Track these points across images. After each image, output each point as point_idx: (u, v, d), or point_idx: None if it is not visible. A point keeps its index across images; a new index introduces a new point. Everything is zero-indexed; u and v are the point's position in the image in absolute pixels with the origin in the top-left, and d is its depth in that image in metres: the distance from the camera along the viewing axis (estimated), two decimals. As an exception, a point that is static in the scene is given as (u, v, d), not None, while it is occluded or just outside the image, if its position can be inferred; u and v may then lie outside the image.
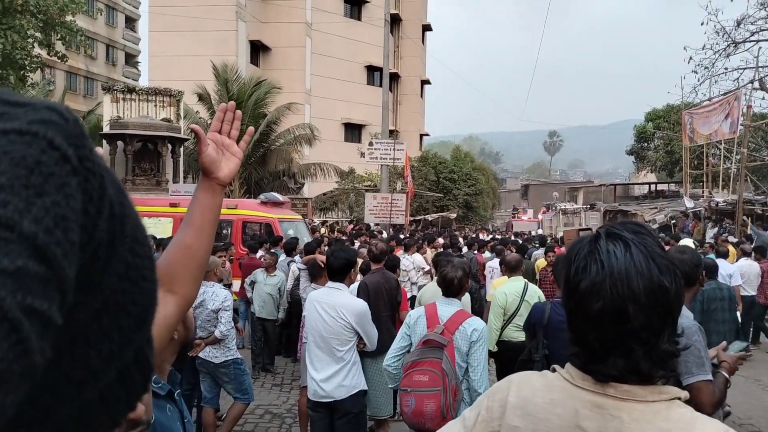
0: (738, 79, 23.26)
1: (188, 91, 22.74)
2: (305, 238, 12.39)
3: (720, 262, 9.05)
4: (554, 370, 1.20)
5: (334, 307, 4.04)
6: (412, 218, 27.11)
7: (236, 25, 33.69)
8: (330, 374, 4.05)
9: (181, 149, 19.87)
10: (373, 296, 4.92)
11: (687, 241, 8.49)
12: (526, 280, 5.82)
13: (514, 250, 9.56)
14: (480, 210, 36.76)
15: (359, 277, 5.63)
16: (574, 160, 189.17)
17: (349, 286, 4.27)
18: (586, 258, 1.13)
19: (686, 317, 2.74)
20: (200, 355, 5.24)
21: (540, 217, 34.46)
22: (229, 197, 20.05)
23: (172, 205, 12.83)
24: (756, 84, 22.10)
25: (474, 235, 20.88)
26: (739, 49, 23.63)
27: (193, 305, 5.18)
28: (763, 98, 23.40)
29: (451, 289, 3.72)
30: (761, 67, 22.16)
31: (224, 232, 13.06)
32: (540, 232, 26.72)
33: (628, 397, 1.07)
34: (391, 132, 27.77)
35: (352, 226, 23.02)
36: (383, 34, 23.32)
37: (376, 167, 25.57)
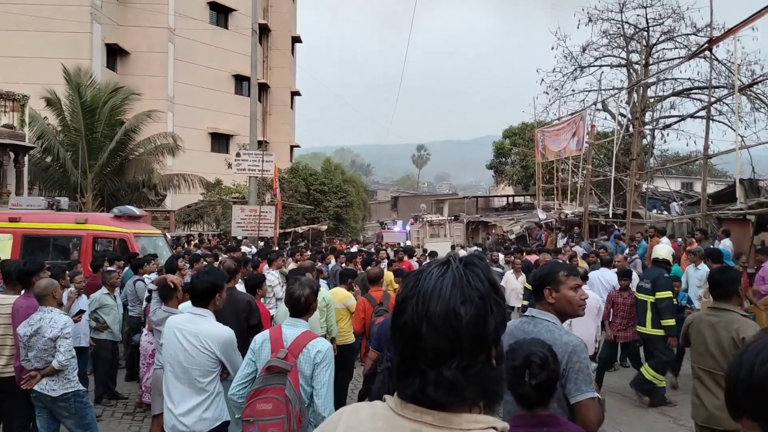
0: (584, 100, 25.39)
1: (35, 96, 20.92)
2: (165, 253, 11.77)
3: (604, 271, 9.62)
4: (384, 400, 1.21)
5: (197, 335, 3.72)
6: (282, 231, 26.70)
7: (91, 27, 31.44)
8: (191, 407, 3.73)
9: (26, 158, 18.20)
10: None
11: (662, 247, 8.83)
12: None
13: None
14: (350, 222, 37.02)
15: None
16: (441, 173, 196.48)
17: (213, 312, 3.94)
18: (415, 276, 1.19)
19: (572, 335, 2.81)
20: (36, 387, 4.74)
21: (408, 228, 35.33)
22: (81, 210, 18.67)
23: (12, 219, 11.66)
24: (599, 105, 24.23)
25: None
26: (585, 73, 25.83)
27: (29, 334, 4.72)
28: (605, 118, 25.69)
29: (298, 309, 3.58)
30: (603, 89, 24.37)
31: (72, 249, 12.11)
32: (408, 243, 27.36)
33: (443, 425, 1.09)
34: (260, 143, 27.28)
35: (216, 239, 22.25)
36: (251, 43, 22.91)
37: (245, 179, 24.97)
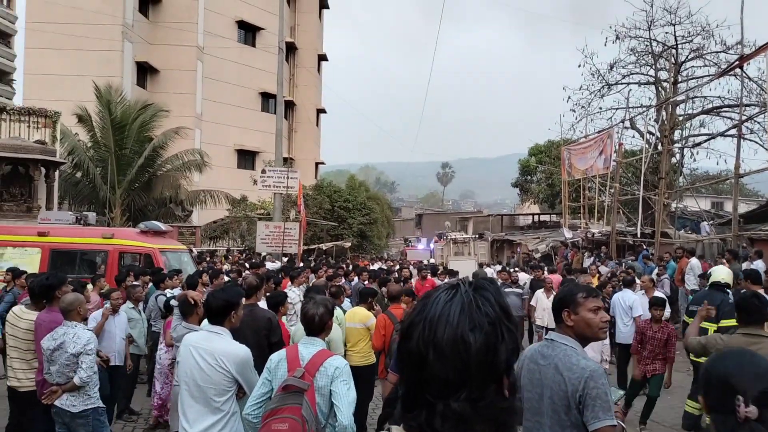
0: (611, 118, 25.09)
1: (67, 112, 21.40)
2: (189, 269, 11.84)
3: (626, 293, 9.04)
4: (389, 430, 1.14)
5: (213, 354, 3.66)
6: (306, 247, 26.79)
7: (122, 45, 32.23)
8: (206, 427, 3.66)
9: (56, 173, 18.54)
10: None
11: (721, 269, 7.86)
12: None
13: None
14: (374, 239, 36.99)
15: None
16: (465, 190, 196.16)
17: (230, 329, 3.89)
18: (422, 300, 1.14)
19: (591, 361, 2.73)
20: (56, 403, 4.74)
21: (431, 246, 35.19)
22: (109, 226, 18.95)
23: (41, 234, 11.87)
24: (627, 123, 23.93)
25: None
26: (612, 90, 25.56)
27: (52, 347, 4.73)
28: (633, 136, 25.34)
29: (312, 327, 3.53)
30: (631, 107, 24.06)
31: (99, 263, 12.25)
32: (432, 261, 27.22)
33: None
34: (286, 160, 27.49)
35: (239, 255, 22.37)
36: (278, 61, 23.21)
37: (270, 195, 25.15)
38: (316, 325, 3.54)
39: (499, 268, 18.27)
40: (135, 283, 8.73)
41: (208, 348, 3.71)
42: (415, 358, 1.06)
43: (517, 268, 17.46)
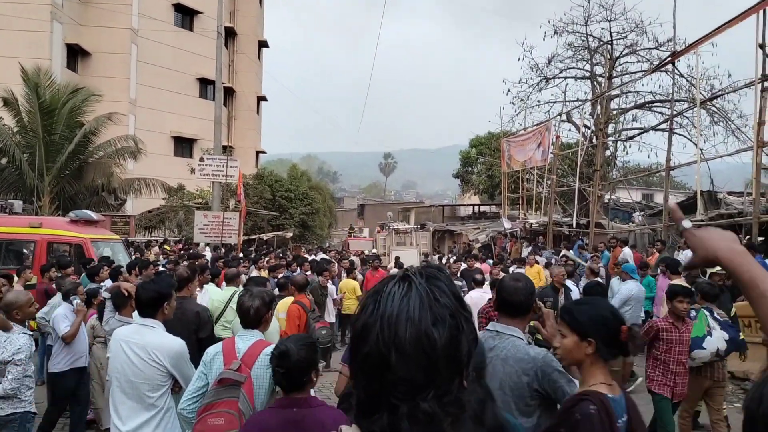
0: (549, 111, 25.70)
1: (-9, 96, 20.23)
2: (123, 259, 11.40)
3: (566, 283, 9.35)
4: (339, 430, 1.06)
5: (145, 347, 3.51)
6: (246, 237, 26.34)
7: (51, 26, 30.60)
8: (139, 424, 3.51)
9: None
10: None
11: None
12: (235, 289, 7.32)
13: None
14: (316, 229, 36.74)
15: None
16: (408, 181, 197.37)
17: (162, 321, 3.72)
18: (372, 296, 1.04)
19: (537, 348, 2.80)
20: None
21: (374, 236, 35.20)
22: (37, 214, 18.04)
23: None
24: (564, 116, 24.54)
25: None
26: (550, 84, 26.17)
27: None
28: (570, 129, 26.04)
29: (248, 320, 3.43)
30: (568, 101, 24.68)
31: (26, 254, 11.65)
32: (374, 251, 27.24)
33: None
34: (225, 148, 26.87)
35: (180, 246, 21.76)
36: (216, 46, 22.59)
37: (208, 184, 24.58)
38: (252, 318, 3.43)
39: (445, 259, 18.49)
40: (66, 275, 8.31)
41: (140, 342, 3.56)
42: (375, 362, 0.97)
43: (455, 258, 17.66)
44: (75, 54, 33.44)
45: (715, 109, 21.30)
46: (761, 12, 10.52)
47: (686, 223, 1.46)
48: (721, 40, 15.01)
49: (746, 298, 1.27)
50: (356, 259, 17.77)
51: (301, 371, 2.62)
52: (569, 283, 9.38)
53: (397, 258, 17.56)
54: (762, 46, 10.46)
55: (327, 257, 17.53)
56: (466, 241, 26.26)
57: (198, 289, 7.04)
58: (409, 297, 0.99)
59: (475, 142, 38.43)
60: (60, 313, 6.07)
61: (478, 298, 7.75)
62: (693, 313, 5.55)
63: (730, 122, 21.26)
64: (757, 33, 10.48)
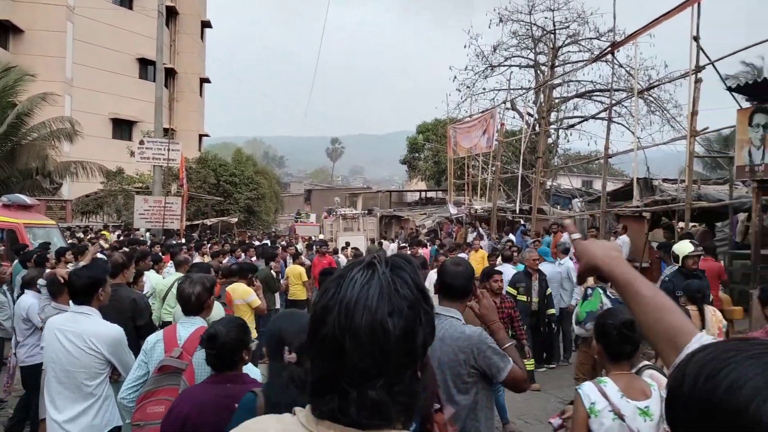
0: (494, 98, 26.11)
1: None
2: (59, 245, 10.98)
3: (506, 267, 9.30)
4: (294, 413, 1.06)
5: (81, 335, 3.42)
6: (189, 223, 25.78)
7: (-22, 0, 28.99)
8: (77, 413, 3.43)
9: None
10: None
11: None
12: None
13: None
14: (262, 214, 36.33)
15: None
16: (355, 166, 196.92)
17: (98, 308, 3.64)
18: (336, 280, 1.04)
19: (472, 327, 2.90)
20: None
21: (321, 221, 35.09)
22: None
23: None
24: (508, 104, 24.93)
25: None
26: (495, 72, 26.55)
27: None
28: (514, 117, 26.50)
29: (189, 307, 3.38)
30: (512, 89, 25.10)
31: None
32: (321, 236, 27.15)
33: None
34: (167, 131, 26.08)
35: (119, 233, 21.10)
36: (157, 26, 21.87)
37: (148, 168, 23.88)
38: (193, 305, 3.37)
39: (396, 245, 18.56)
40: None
41: (76, 330, 3.47)
42: (330, 345, 0.97)
43: (404, 244, 17.79)
44: (6, 31, 31.72)
45: (652, 99, 22.10)
46: (696, 5, 10.91)
47: (575, 236, 1.64)
48: (659, 32, 15.51)
49: (623, 297, 1.40)
50: (301, 245, 17.70)
51: (231, 351, 2.67)
52: (508, 267, 9.60)
53: (347, 243, 17.55)
54: (696, 38, 10.83)
55: (273, 243, 17.38)
56: (413, 227, 26.46)
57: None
58: (370, 285, 1.00)
59: (422, 128, 38.64)
60: (33, 303, 5.81)
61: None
62: (590, 291, 6.27)
63: (665, 112, 22.14)
64: (692, 25, 10.84)
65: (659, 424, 2.54)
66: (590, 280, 6.07)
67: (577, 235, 1.63)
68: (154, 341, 3.31)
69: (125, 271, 5.25)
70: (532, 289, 8.36)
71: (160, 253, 10.51)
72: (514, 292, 7.99)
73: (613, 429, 2.55)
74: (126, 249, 10.48)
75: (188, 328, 3.29)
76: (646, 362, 3.03)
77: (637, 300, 1.35)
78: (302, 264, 12.02)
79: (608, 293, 6.03)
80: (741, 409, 0.74)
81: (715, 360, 0.81)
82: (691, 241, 7.06)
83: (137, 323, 4.73)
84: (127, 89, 36.45)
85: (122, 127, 37.24)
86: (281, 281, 10.91)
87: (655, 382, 2.69)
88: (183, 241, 16.41)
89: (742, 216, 12.05)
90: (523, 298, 8.08)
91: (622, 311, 2.76)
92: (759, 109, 8.99)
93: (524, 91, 25.36)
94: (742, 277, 10.97)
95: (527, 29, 25.02)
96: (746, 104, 9.51)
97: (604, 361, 2.79)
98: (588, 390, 2.64)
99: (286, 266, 12.39)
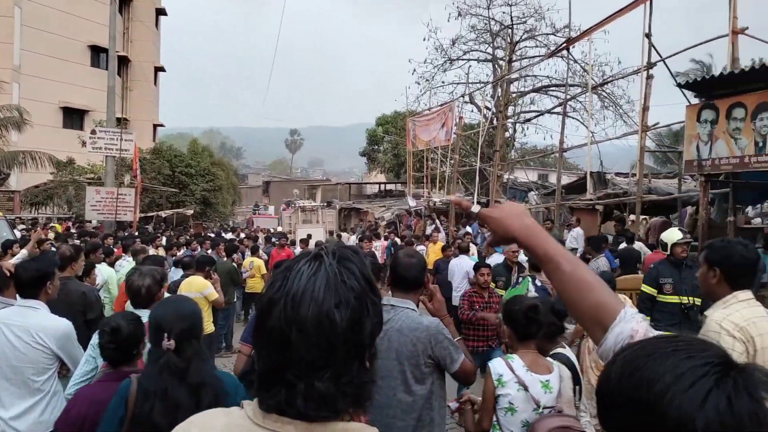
0: (453, 92, 26.24)
1: None
2: (7, 237, 10.61)
3: (463, 259, 9.45)
4: (242, 406, 1.06)
5: (28, 330, 3.33)
6: (143, 215, 25.23)
7: None
8: (24, 409, 3.34)
9: None
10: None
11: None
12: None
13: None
14: (219, 206, 35.81)
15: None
16: (314, 158, 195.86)
17: (45, 302, 3.54)
18: (282, 272, 1.04)
19: (429, 318, 2.98)
20: None
21: (280, 213, 34.80)
22: None
23: None
24: (467, 98, 25.13)
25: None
26: (454, 65, 26.69)
27: None
28: (472, 111, 26.74)
29: (138, 300, 3.35)
30: (471, 83, 25.28)
31: None
32: (280, 228, 26.94)
33: None
34: (119, 120, 25.39)
35: (69, 224, 20.51)
36: (110, 12, 21.24)
37: (101, 158, 23.26)
38: (144, 297, 3.34)
39: (356, 237, 18.54)
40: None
41: (23, 324, 3.37)
42: (277, 337, 0.97)
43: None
44: (-53, 14, 30.40)
45: (606, 95, 22.57)
46: (648, 3, 11.20)
47: (475, 208, 1.52)
48: (613, 28, 15.80)
49: (545, 272, 1.35)
50: (260, 236, 17.54)
51: (130, 345, 2.69)
52: (465, 258, 9.68)
53: (309, 235, 17.44)
54: (648, 36, 11.13)
55: (232, 236, 17.16)
56: (372, 219, 26.50)
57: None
58: (316, 276, 1.00)
59: (382, 120, 38.66)
60: None
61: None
62: (521, 279, 6.61)
63: (618, 107, 22.64)
64: (645, 23, 11.14)
65: (557, 398, 2.92)
66: (526, 270, 6.40)
67: (476, 208, 1.51)
68: None
69: (74, 263, 5.12)
70: (512, 283, 8.15)
71: (111, 246, 10.27)
72: (492, 285, 7.62)
73: (518, 398, 2.88)
74: (77, 241, 10.22)
75: None
76: (560, 349, 3.43)
77: (557, 275, 1.30)
78: (259, 257, 11.93)
79: (536, 282, 6.10)
80: (655, 404, 0.79)
81: (636, 359, 0.86)
82: (680, 229, 6.98)
83: (88, 317, 4.63)
84: (78, 77, 35.35)
85: (73, 117, 36.10)
86: (243, 274, 10.80)
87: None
88: (136, 233, 16.07)
89: (690, 209, 12.46)
90: (502, 292, 7.42)
91: (527, 297, 3.29)
92: (707, 105, 9.28)
93: (482, 85, 25.58)
94: (689, 268, 11.31)
95: (485, 24, 25.22)
96: (695, 100, 9.78)
97: (513, 342, 3.14)
98: (497, 365, 2.99)
99: (243, 258, 12.26)
